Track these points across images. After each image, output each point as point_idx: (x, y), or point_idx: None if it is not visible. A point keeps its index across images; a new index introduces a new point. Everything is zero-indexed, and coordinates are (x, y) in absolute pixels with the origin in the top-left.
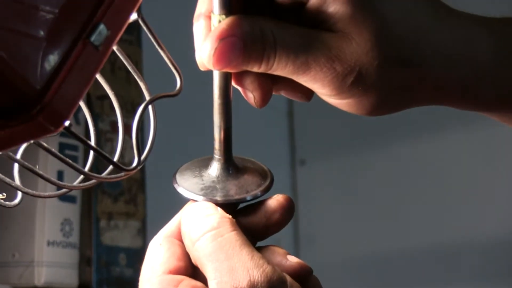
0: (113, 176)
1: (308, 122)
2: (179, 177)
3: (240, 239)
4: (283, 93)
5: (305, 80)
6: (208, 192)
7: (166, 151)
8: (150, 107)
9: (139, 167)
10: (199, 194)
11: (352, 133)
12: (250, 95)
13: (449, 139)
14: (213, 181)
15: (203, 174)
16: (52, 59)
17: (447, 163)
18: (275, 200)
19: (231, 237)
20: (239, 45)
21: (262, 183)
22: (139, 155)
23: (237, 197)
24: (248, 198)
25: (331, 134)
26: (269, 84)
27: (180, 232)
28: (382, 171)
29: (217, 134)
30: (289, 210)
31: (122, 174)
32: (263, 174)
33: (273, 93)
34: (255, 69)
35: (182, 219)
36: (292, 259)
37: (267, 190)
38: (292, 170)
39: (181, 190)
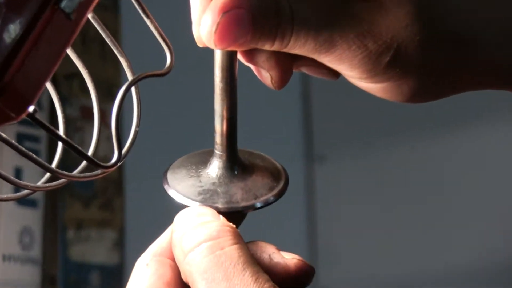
0: (86, 174)
1: (329, 108)
2: (171, 177)
3: (244, 255)
4: (305, 70)
5: (329, 60)
6: (207, 198)
7: (151, 145)
8: (133, 89)
9: (119, 164)
10: (196, 200)
11: (384, 124)
12: (265, 74)
13: (492, 135)
14: (214, 183)
15: (201, 173)
16: (13, 29)
17: (491, 162)
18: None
19: (233, 252)
20: (247, 19)
21: (274, 185)
22: (120, 149)
23: (243, 204)
24: (258, 205)
25: (358, 124)
26: (288, 60)
27: (172, 250)
28: (419, 170)
29: (219, 125)
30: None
31: (98, 172)
32: (276, 174)
33: (293, 70)
34: (267, 47)
35: (173, 225)
36: (287, 256)
37: (280, 194)
38: (308, 168)
39: (173, 193)
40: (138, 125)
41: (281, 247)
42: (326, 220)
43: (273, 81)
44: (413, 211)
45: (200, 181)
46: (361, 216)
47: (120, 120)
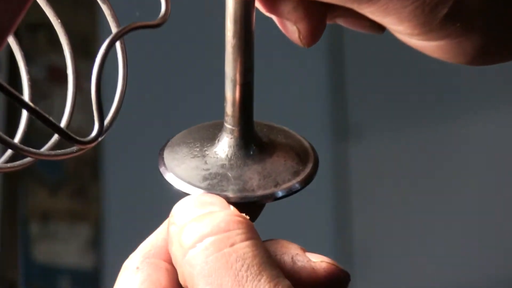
0: (59, 152)
1: (366, 71)
2: (168, 157)
3: (260, 254)
4: (341, 23)
5: (371, 12)
6: (214, 184)
7: (139, 117)
8: (118, 44)
9: (100, 138)
10: (201, 187)
11: (433, 92)
12: (291, 28)
13: None
14: (223, 166)
15: (207, 153)
16: None
17: None
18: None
19: (246, 249)
20: None
21: (300, 169)
22: (101, 120)
23: (260, 192)
24: (279, 194)
25: (402, 91)
26: (321, 10)
27: (168, 250)
28: (470, 147)
29: (230, 93)
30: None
31: (74, 149)
32: (302, 154)
33: (327, 22)
34: None
35: (170, 217)
36: (315, 258)
37: (308, 180)
38: (339, 146)
39: (171, 178)
40: (124, 90)
41: (307, 247)
42: (361, 212)
43: (301, 37)
44: (468, 202)
45: (206, 163)
46: (405, 206)
47: (102, 83)
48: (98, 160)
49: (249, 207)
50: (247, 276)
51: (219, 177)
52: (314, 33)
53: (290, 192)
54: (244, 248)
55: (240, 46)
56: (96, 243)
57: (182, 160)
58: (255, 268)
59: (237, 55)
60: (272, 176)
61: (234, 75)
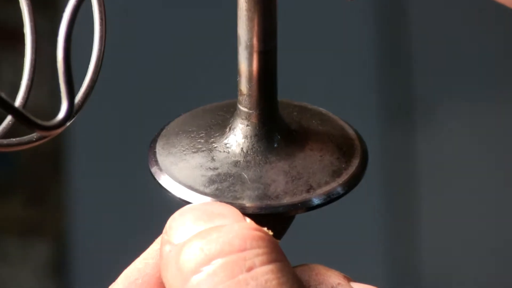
0: (12, 141)
1: (427, 29)
2: (162, 151)
3: (288, 282)
4: None
5: None
6: (224, 189)
7: (118, 94)
8: None
9: (70, 122)
10: (206, 193)
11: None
12: None
13: None
14: (237, 163)
15: (214, 145)
16: None
17: None
18: None
19: (269, 276)
20: None
21: (342, 166)
22: (71, 98)
23: (288, 200)
24: (314, 202)
25: (477, 61)
26: None
27: (161, 280)
28: None
29: (245, 64)
30: None
31: (33, 137)
32: (345, 145)
33: None
34: None
35: (164, 233)
36: None
37: (353, 182)
38: (395, 132)
39: (165, 181)
40: (101, 55)
41: (352, 274)
42: (429, 222)
43: None
44: None
45: (213, 159)
46: (489, 212)
47: (72, 47)
48: (60, 153)
49: (272, 220)
50: None
51: (231, 179)
52: None
53: (328, 200)
54: (266, 274)
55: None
56: (58, 266)
57: (181, 155)
58: None
59: (254, 12)
60: (303, 178)
61: (250, 39)
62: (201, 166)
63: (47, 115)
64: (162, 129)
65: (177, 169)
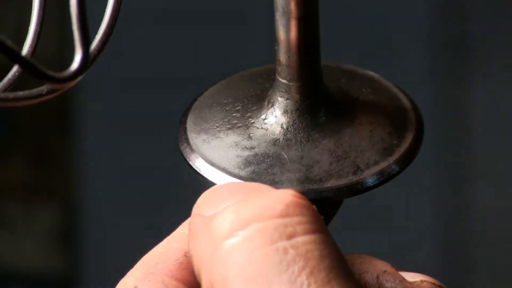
0: (20, 94)
1: None
2: (194, 127)
3: (331, 254)
4: None
5: None
6: (262, 171)
7: (137, 44)
8: None
9: (84, 73)
10: (241, 176)
11: None
12: None
13: None
14: (276, 142)
15: (251, 120)
16: None
17: None
18: None
19: (310, 246)
20: None
21: (394, 142)
22: (86, 45)
23: (333, 183)
24: (367, 183)
25: None
26: None
27: (185, 266)
28: None
29: (283, 31)
30: None
31: (43, 90)
32: (398, 116)
33: None
34: None
35: (195, 208)
36: (411, 277)
37: (408, 160)
38: (447, 91)
39: (197, 162)
40: (119, 5)
41: (402, 265)
42: (487, 201)
43: None
44: None
45: (250, 137)
46: None
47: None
48: (67, 109)
49: (316, 206)
50: (308, 285)
51: (269, 161)
52: None
53: (377, 182)
54: (307, 243)
55: None
56: (65, 234)
57: (214, 132)
58: (322, 275)
59: None
60: (350, 157)
61: (288, 4)
62: (236, 145)
63: (56, 66)
64: (194, 100)
65: (209, 148)
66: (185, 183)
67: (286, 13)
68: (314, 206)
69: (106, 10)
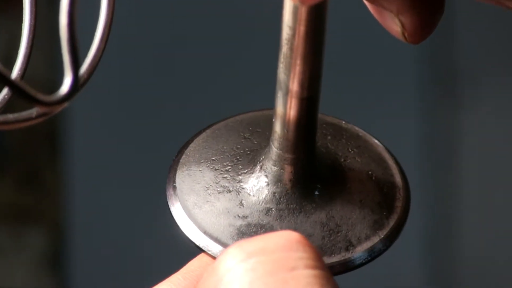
0: (10, 117)
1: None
2: (184, 186)
3: None
4: None
5: None
6: None
7: (126, 67)
8: None
9: (74, 96)
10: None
11: None
12: (393, 21)
13: None
14: (268, 211)
15: (243, 185)
16: None
17: None
18: None
19: (311, 280)
20: None
21: (383, 213)
22: (75, 68)
23: (325, 260)
24: (355, 262)
25: None
26: None
27: None
28: None
29: (282, 107)
30: None
31: (33, 113)
32: (385, 181)
33: None
34: None
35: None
36: None
37: (396, 234)
38: (431, 118)
39: (189, 229)
40: (109, 23)
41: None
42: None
43: (406, 31)
44: None
45: (242, 204)
46: None
47: (76, 13)
48: (57, 133)
49: None
50: None
51: (262, 232)
52: (425, 26)
53: (368, 259)
54: (309, 277)
55: (304, 47)
56: (55, 258)
57: (205, 195)
58: None
59: (297, 57)
60: (342, 231)
61: (291, 85)
62: (228, 212)
63: (46, 90)
64: (181, 153)
65: (201, 214)
66: None
67: (289, 93)
68: (317, 249)
69: (96, 33)
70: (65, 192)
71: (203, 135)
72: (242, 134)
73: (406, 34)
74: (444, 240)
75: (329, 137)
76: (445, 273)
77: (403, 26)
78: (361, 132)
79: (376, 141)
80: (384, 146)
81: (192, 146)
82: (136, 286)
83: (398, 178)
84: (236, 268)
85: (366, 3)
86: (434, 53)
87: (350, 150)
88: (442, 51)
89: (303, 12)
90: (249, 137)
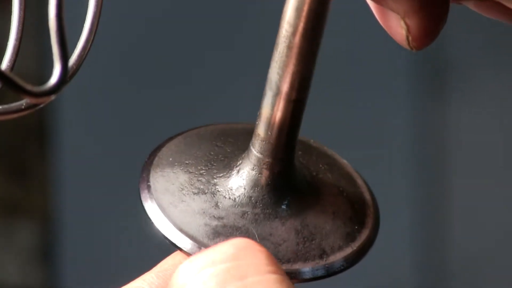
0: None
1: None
2: (158, 185)
3: None
4: (472, 7)
5: None
6: None
7: (111, 62)
8: None
9: (63, 87)
10: (211, 246)
11: None
12: (398, 23)
13: None
14: (244, 214)
15: (218, 188)
16: None
17: None
18: None
19: (263, 284)
20: None
21: (355, 227)
22: (64, 59)
23: (300, 265)
24: (330, 270)
25: None
26: None
27: None
28: None
29: (269, 108)
30: None
31: (22, 104)
32: (355, 197)
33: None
34: None
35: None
36: None
37: (367, 247)
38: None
39: (166, 228)
40: (97, 15)
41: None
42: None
43: (410, 36)
44: None
45: (217, 206)
46: None
47: (64, 5)
48: (46, 125)
49: None
50: None
51: (238, 233)
52: (428, 31)
53: (342, 269)
54: (260, 282)
55: (302, 46)
56: (45, 252)
57: (180, 195)
58: None
59: (293, 57)
60: (316, 240)
61: (282, 85)
62: (204, 212)
63: (35, 81)
64: (153, 156)
65: (176, 212)
66: None
67: (280, 94)
68: (269, 252)
69: (84, 25)
70: (54, 185)
71: (175, 140)
72: (214, 142)
73: (410, 38)
74: (434, 237)
75: (300, 152)
76: (436, 272)
77: (408, 29)
78: (329, 151)
79: (345, 160)
80: (351, 166)
81: (164, 150)
82: (126, 279)
83: (368, 196)
84: (190, 284)
85: (370, 3)
86: (424, 49)
87: (321, 166)
88: (432, 47)
89: (306, 9)
90: (222, 145)
